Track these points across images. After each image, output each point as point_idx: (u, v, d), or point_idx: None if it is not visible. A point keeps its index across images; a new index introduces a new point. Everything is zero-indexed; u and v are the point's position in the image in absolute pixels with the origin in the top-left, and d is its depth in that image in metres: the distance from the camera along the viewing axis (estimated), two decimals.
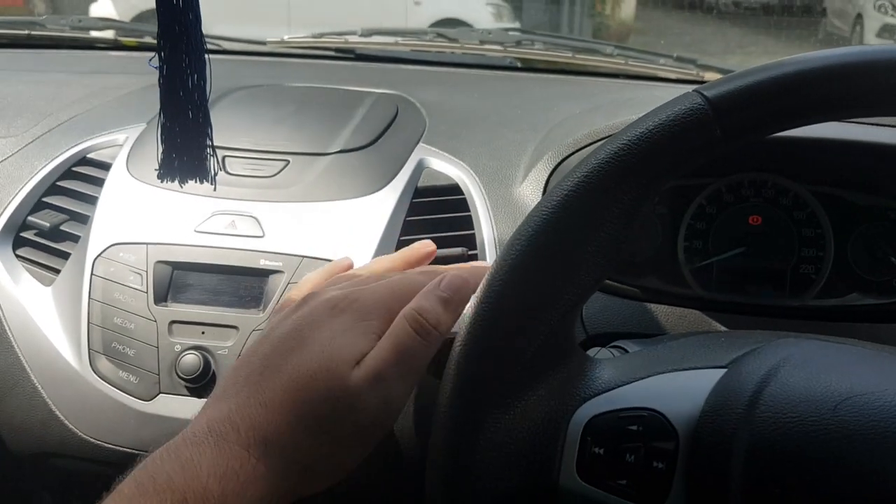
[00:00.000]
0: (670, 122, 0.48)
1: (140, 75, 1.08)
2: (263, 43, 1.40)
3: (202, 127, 0.62)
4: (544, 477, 0.48)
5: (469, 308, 0.49)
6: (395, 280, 0.59)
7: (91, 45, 1.41)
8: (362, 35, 1.40)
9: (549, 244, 0.48)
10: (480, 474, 0.48)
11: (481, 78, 1.27)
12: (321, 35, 1.41)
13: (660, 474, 0.46)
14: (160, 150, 0.62)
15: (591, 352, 0.63)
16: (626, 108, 0.92)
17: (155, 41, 0.60)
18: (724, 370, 0.49)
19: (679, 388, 0.49)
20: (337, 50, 1.37)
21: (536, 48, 1.36)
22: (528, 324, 0.48)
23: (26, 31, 1.38)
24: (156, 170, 0.62)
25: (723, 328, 0.77)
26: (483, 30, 1.39)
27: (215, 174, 0.65)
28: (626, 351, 0.61)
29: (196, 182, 0.64)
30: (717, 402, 0.47)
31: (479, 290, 0.49)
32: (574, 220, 0.48)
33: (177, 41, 0.61)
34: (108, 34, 1.43)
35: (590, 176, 0.48)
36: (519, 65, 1.34)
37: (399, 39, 1.40)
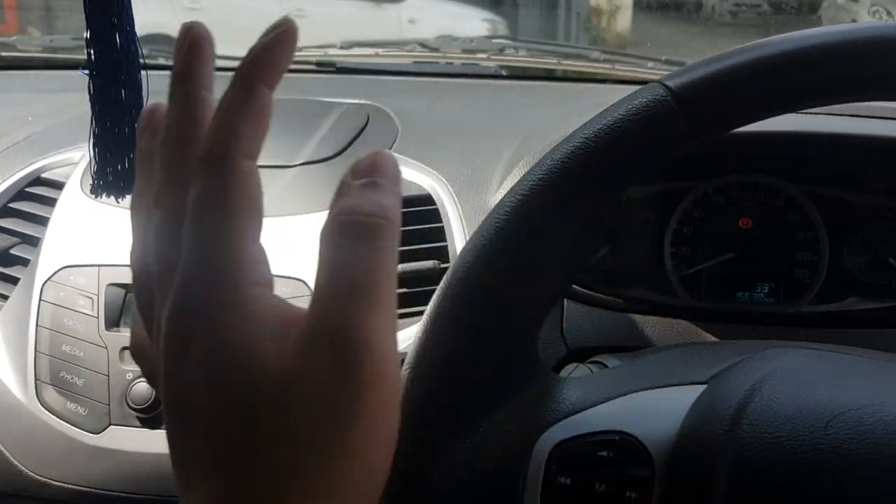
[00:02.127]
0: (630, 116, 0.43)
1: None
2: (239, 59, 1.36)
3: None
4: None
5: (418, 329, 0.44)
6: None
7: (63, 65, 1.37)
8: (342, 47, 1.37)
9: (500, 255, 0.43)
10: (437, 499, 0.43)
11: (465, 86, 1.23)
12: (301, 48, 1.37)
13: None
14: (92, 164, 0.57)
15: (568, 369, 0.58)
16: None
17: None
18: (704, 386, 0.44)
19: (654, 408, 0.44)
20: (317, 63, 1.33)
21: (521, 55, 1.32)
22: (480, 345, 0.43)
23: None
24: (90, 184, 0.57)
25: (713, 339, 0.72)
26: (465, 38, 1.35)
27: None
28: (606, 367, 0.56)
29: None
30: (695, 423, 0.42)
31: (428, 308, 0.44)
32: (528, 227, 0.43)
33: (110, 49, 0.56)
34: (81, 54, 1.39)
35: (544, 178, 0.43)
36: (504, 73, 1.29)
37: (380, 51, 1.36)
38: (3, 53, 1.34)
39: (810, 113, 0.71)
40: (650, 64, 1.27)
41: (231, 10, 2.45)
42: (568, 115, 0.90)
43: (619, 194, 0.44)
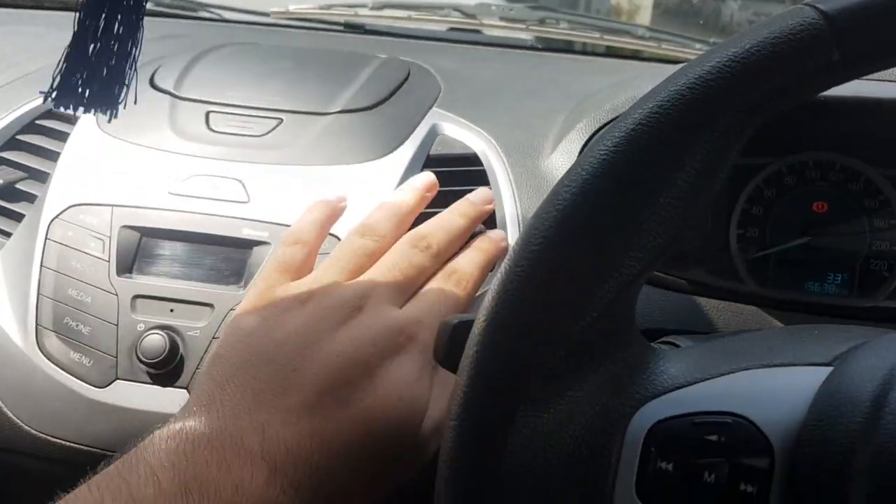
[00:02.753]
0: (775, 41, 0.36)
1: None
2: (267, 14, 1.29)
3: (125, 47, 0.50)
4: (594, 496, 0.37)
5: (499, 274, 0.38)
6: (450, 293, 0.54)
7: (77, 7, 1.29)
8: (373, 8, 1.29)
9: (606, 193, 0.36)
10: (507, 492, 0.36)
11: (502, 54, 1.16)
12: (329, 6, 1.30)
13: (749, 500, 0.35)
14: (60, 66, 0.49)
15: None
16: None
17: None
18: (829, 368, 0.38)
19: (771, 390, 0.37)
20: (346, 24, 1.26)
21: (561, 27, 1.25)
22: (575, 296, 0.37)
23: None
24: (46, 92, 0.49)
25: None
26: (504, 5, 1.28)
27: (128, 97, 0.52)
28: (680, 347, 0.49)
29: (103, 112, 0.51)
30: (826, 409, 0.35)
31: (512, 251, 0.38)
32: (643, 163, 0.36)
33: None
34: None
35: (665, 107, 0.36)
36: (540, 45, 1.23)
37: (412, 14, 1.29)
38: None
39: None
40: (697, 45, 1.20)
41: None
42: (626, 79, 0.83)
43: (748, 133, 0.38)
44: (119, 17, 0.50)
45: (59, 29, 1.06)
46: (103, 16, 0.49)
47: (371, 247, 0.55)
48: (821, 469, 0.34)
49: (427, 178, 0.64)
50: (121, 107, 0.51)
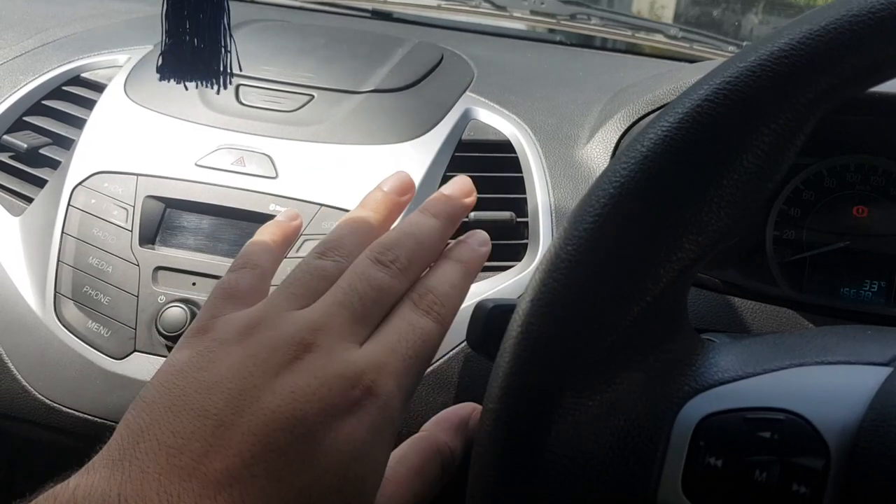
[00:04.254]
0: (853, 18, 0.34)
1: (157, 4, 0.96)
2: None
3: (218, 16, 0.49)
4: (637, 491, 0.35)
5: (546, 255, 0.36)
6: (421, 323, 0.42)
7: None
8: None
9: (667, 171, 0.35)
10: (549, 485, 0.35)
11: (531, 45, 1.14)
12: None
13: (801, 502, 0.33)
14: (164, 40, 0.49)
15: None
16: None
17: None
18: (889, 369, 0.36)
19: (826, 387, 0.36)
20: (374, 12, 1.25)
21: (592, 23, 1.23)
22: (627, 281, 0.35)
23: None
24: (157, 64, 0.49)
25: None
26: None
27: (229, 79, 0.51)
28: None
29: (204, 84, 0.51)
30: (887, 410, 0.33)
31: (562, 230, 0.36)
32: (707, 141, 0.35)
33: None
34: None
35: (734, 83, 0.35)
36: (568, 41, 1.21)
37: (442, 3, 1.27)
38: None
39: None
40: (731, 48, 1.19)
41: None
42: (664, 73, 0.81)
43: (819, 116, 0.36)
44: None
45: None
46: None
47: (330, 269, 0.44)
48: (880, 472, 0.32)
49: (400, 178, 0.51)
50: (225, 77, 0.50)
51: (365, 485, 0.38)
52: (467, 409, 0.49)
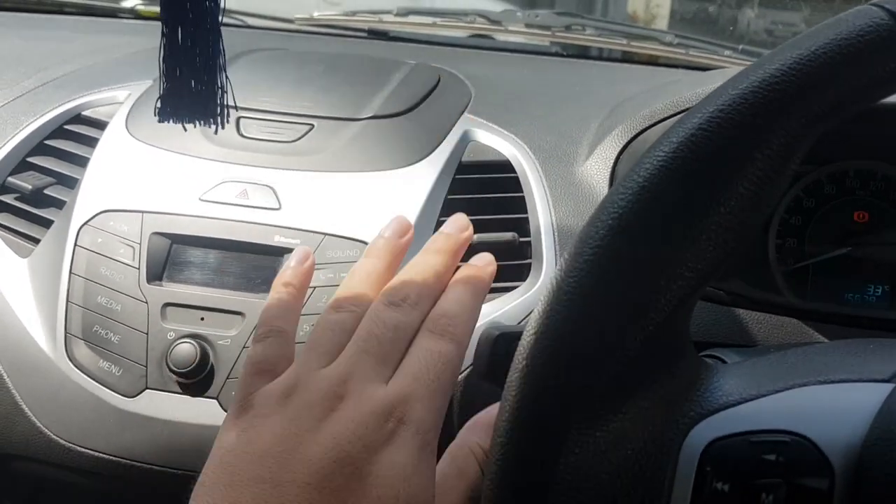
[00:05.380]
0: (843, 42, 0.35)
1: (154, 37, 0.97)
2: (291, 20, 1.29)
3: (214, 58, 0.50)
4: None
5: (548, 287, 0.36)
6: (439, 348, 0.45)
7: (101, 12, 1.29)
8: (398, 14, 1.29)
9: (664, 203, 0.35)
10: None
11: (530, 59, 1.15)
12: (354, 13, 1.29)
13: None
14: (162, 83, 0.50)
15: None
16: (709, 84, 0.79)
17: None
18: (891, 385, 0.36)
19: (829, 407, 0.36)
20: (370, 31, 1.26)
21: (588, 34, 1.24)
22: (630, 311, 0.35)
23: None
24: (155, 108, 0.50)
25: (824, 340, 0.64)
26: (530, 12, 1.27)
27: (227, 117, 0.52)
28: (724, 362, 0.48)
29: (202, 124, 0.51)
30: (889, 427, 0.34)
31: (563, 262, 0.36)
32: (703, 168, 0.35)
33: None
34: (127, 3, 1.32)
35: (726, 111, 0.35)
36: (565, 52, 1.21)
37: (437, 20, 1.28)
38: None
39: None
40: (726, 52, 1.19)
41: None
42: (661, 85, 0.82)
43: (812, 138, 0.36)
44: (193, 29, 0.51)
45: (84, 33, 1.07)
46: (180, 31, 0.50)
47: (347, 321, 0.47)
48: (884, 490, 0.33)
49: (398, 222, 0.53)
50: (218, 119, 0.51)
51: (418, 499, 0.41)
52: (497, 408, 0.52)
